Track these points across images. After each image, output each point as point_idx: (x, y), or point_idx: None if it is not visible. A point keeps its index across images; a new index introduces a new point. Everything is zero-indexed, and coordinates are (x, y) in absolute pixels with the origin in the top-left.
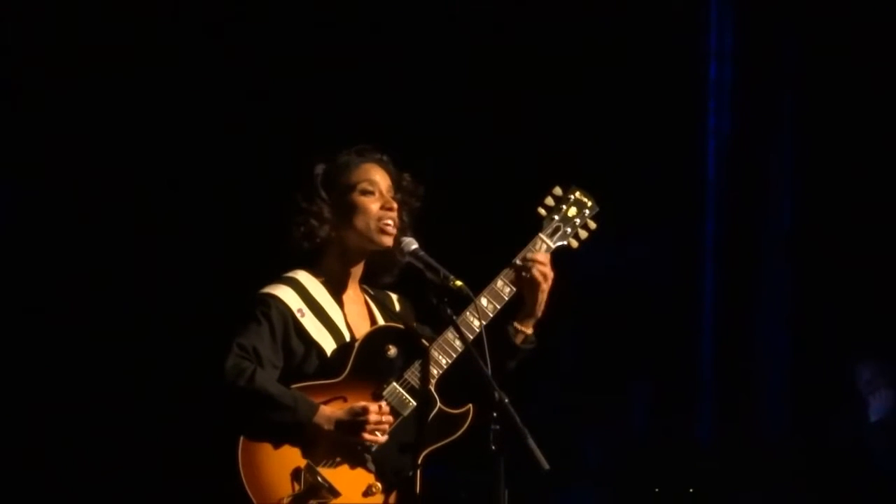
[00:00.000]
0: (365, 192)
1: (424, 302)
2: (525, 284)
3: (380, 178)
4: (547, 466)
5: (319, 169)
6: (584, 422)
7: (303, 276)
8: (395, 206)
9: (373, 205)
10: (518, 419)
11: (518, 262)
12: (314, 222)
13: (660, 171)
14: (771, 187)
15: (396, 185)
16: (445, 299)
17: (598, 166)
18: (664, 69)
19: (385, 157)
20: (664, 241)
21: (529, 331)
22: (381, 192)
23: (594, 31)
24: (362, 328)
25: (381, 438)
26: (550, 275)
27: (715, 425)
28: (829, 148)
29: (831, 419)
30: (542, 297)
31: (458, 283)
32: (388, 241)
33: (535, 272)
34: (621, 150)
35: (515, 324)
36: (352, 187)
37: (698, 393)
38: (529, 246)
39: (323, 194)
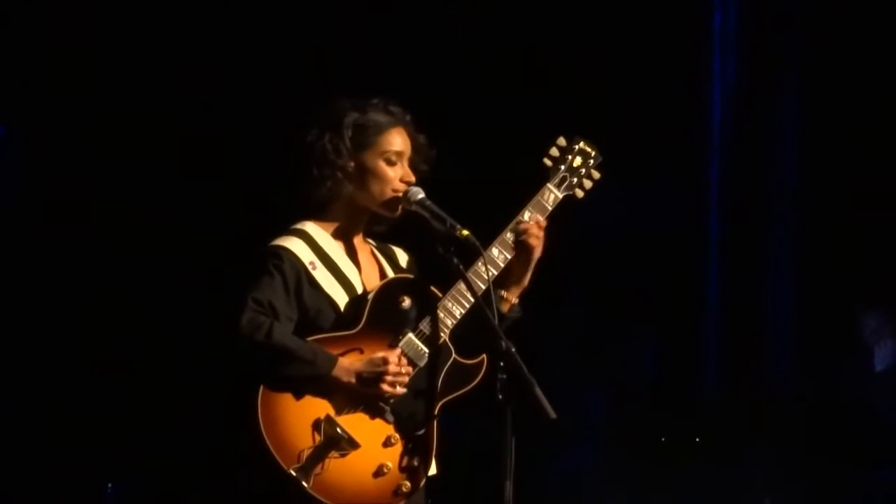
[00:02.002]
0: (389, 162)
1: (428, 254)
2: (520, 249)
3: (405, 147)
4: (554, 415)
5: (349, 121)
6: (589, 374)
7: (311, 228)
8: (413, 179)
9: (393, 174)
10: (525, 368)
11: (524, 215)
12: (340, 176)
13: (665, 116)
14: (777, 133)
15: (413, 147)
16: (452, 249)
17: (603, 112)
18: (668, 14)
19: (409, 118)
20: (670, 188)
21: (515, 300)
22: (402, 164)
23: None
24: (372, 280)
25: (400, 391)
26: (541, 242)
27: (720, 376)
28: (836, 93)
29: (837, 369)
30: (531, 265)
31: (465, 232)
32: (393, 213)
33: (529, 239)
34: (626, 95)
35: (503, 292)
36: (379, 152)
37: (704, 343)
38: (537, 197)
39: (351, 148)
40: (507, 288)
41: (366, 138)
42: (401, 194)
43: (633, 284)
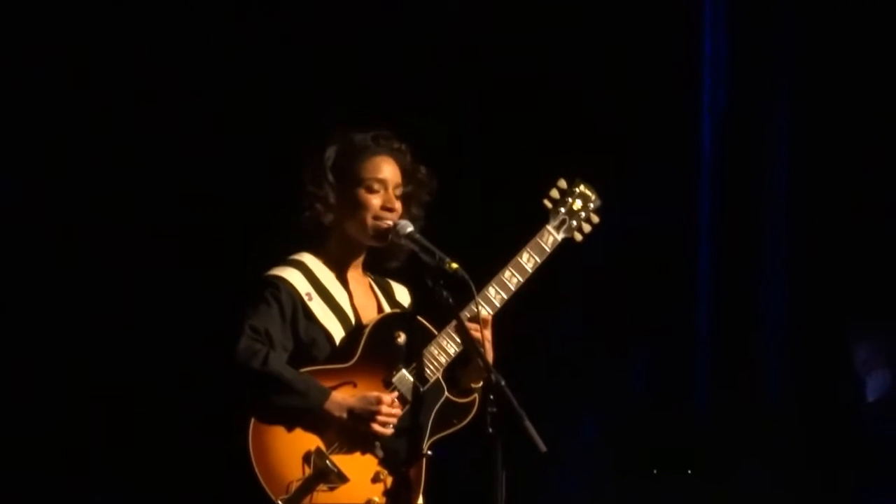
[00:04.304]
0: (370, 190)
1: (424, 287)
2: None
3: (389, 175)
4: (544, 449)
5: (332, 151)
6: (581, 390)
7: (308, 259)
8: (396, 207)
9: (374, 201)
10: (515, 402)
11: (523, 256)
12: (320, 207)
13: (656, 136)
14: (769, 137)
15: (408, 178)
16: (441, 282)
17: (592, 116)
18: (659, 42)
19: (403, 148)
20: (662, 207)
21: (478, 385)
22: (385, 191)
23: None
24: (369, 313)
25: (390, 431)
26: (488, 337)
27: (712, 393)
28: (829, 96)
29: (830, 385)
30: (487, 354)
31: (454, 265)
32: (381, 242)
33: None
34: (616, 97)
35: (472, 384)
36: (359, 181)
37: (696, 361)
38: (536, 238)
39: (331, 179)
40: (474, 379)
41: (347, 166)
42: (384, 223)
43: (624, 303)
